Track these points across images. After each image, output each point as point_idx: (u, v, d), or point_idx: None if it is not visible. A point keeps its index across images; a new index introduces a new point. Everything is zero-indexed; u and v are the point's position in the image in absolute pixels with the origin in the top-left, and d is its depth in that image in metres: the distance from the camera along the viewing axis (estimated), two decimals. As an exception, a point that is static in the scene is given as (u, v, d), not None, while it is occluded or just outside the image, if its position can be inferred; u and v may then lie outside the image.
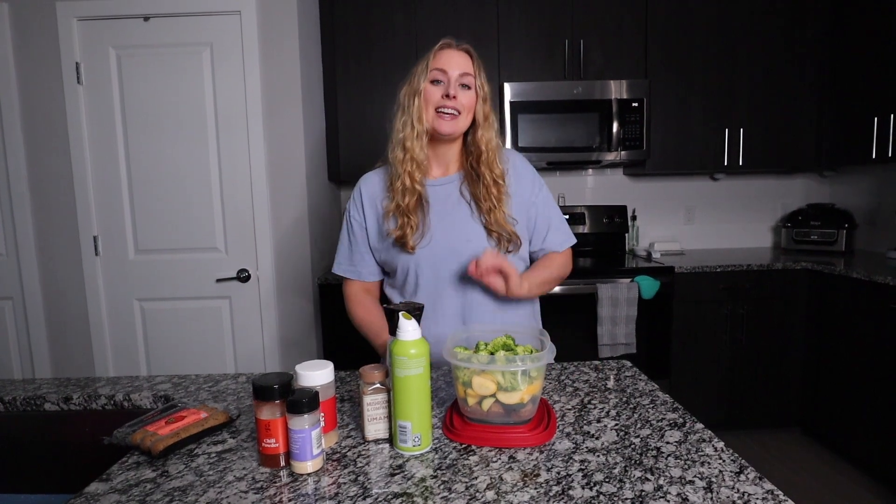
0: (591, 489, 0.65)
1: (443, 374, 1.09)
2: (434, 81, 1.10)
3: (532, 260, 1.25)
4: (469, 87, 1.10)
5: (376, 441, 0.80)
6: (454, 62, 1.09)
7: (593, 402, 0.93)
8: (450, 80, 1.08)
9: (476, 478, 0.68)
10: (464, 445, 0.78)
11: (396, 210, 1.12)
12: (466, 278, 1.14)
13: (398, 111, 1.14)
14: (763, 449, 2.47)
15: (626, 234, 2.97)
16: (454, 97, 1.07)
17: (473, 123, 1.13)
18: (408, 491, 0.66)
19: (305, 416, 0.69)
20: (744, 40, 2.64)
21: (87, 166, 2.17)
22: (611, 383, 1.02)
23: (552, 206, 1.24)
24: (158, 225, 2.21)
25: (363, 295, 1.24)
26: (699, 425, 0.82)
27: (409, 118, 1.11)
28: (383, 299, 1.26)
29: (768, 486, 0.65)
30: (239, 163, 2.20)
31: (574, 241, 1.25)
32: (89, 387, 1.08)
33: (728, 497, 0.63)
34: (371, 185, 1.21)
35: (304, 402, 0.69)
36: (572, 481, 0.67)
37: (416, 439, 0.75)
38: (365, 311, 1.20)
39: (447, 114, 1.08)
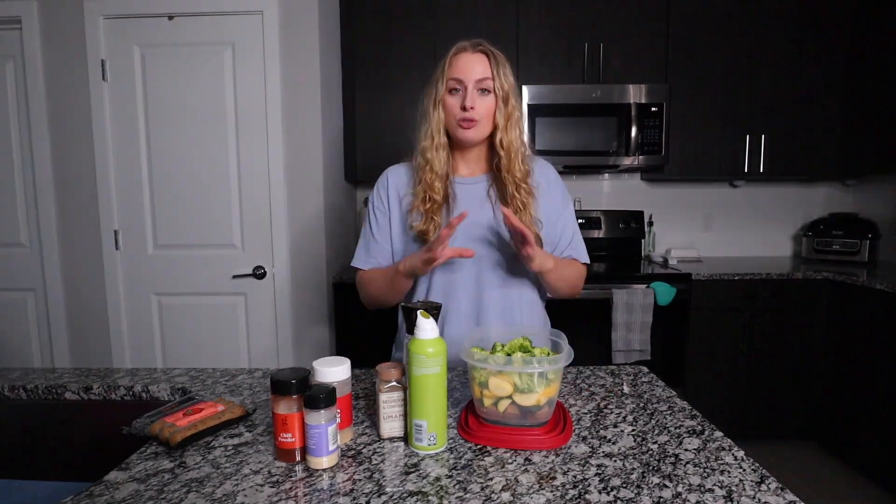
0: (608, 494, 0.64)
1: (458, 375, 1.08)
2: (452, 90, 1.09)
3: None
4: (488, 91, 1.08)
5: (391, 439, 0.80)
6: (470, 68, 1.07)
7: (610, 406, 0.92)
8: (466, 89, 1.07)
9: (491, 479, 0.68)
10: (479, 446, 0.77)
11: (420, 208, 1.12)
12: (481, 281, 1.14)
13: (421, 118, 1.14)
14: (779, 461, 2.42)
15: (643, 240, 2.94)
16: (472, 108, 1.06)
17: (495, 126, 1.12)
18: (423, 490, 0.66)
19: (322, 411, 0.69)
20: (766, 45, 2.60)
21: (110, 162, 2.21)
22: (627, 388, 1.01)
23: (576, 223, 1.24)
24: (177, 221, 2.24)
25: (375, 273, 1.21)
26: (718, 433, 0.81)
27: (430, 128, 1.12)
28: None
29: (790, 496, 0.63)
30: (257, 161, 2.22)
31: (588, 260, 1.24)
32: (109, 377, 1.10)
33: (749, 507, 0.61)
34: (398, 176, 1.20)
35: (321, 397, 0.69)
36: (589, 485, 0.66)
37: (432, 438, 0.75)
38: (371, 278, 1.18)
39: (466, 122, 1.08)
